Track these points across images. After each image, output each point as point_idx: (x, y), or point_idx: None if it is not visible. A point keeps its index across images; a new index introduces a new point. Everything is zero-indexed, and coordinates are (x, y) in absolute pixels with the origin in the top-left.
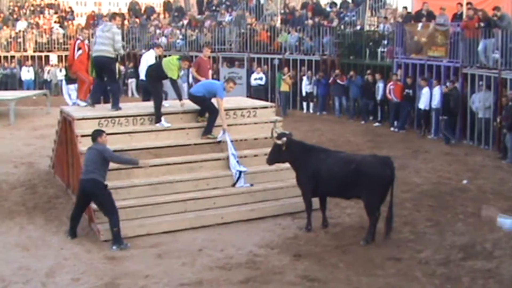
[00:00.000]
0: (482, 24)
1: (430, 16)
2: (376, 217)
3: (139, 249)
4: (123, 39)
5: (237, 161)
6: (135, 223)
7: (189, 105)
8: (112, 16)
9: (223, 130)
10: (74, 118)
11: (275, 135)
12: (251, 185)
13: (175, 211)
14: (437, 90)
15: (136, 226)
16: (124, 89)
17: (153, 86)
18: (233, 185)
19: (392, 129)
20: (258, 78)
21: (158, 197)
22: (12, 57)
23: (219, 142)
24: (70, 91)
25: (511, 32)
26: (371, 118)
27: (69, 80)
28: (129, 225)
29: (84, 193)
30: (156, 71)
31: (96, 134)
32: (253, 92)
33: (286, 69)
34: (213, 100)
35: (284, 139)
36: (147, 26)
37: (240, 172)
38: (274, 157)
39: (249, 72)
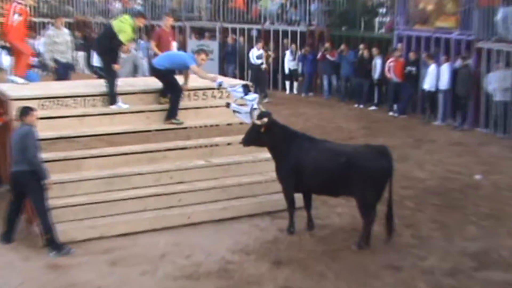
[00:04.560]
0: None
1: None
2: (371, 218)
3: (90, 255)
4: (68, 2)
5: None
6: (85, 224)
7: (151, 83)
8: None
9: (214, 82)
10: (9, 98)
11: (255, 113)
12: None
13: (133, 210)
14: (445, 68)
15: (86, 227)
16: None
17: (105, 59)
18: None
19: (391, 113)
20: (259, 56)
21: (113, 193)
22: None
23: (185, 128)
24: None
25: None
26: (366, 100)
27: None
28: (78, 226)
29: (15, 188)
30: (106, 38)
31: (23, 112)
32: (253, 74)
33: (260, 45)
34: (179, 77)
35: (265, 119)
36: None
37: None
38: (251, 138)
39: (222, 46)
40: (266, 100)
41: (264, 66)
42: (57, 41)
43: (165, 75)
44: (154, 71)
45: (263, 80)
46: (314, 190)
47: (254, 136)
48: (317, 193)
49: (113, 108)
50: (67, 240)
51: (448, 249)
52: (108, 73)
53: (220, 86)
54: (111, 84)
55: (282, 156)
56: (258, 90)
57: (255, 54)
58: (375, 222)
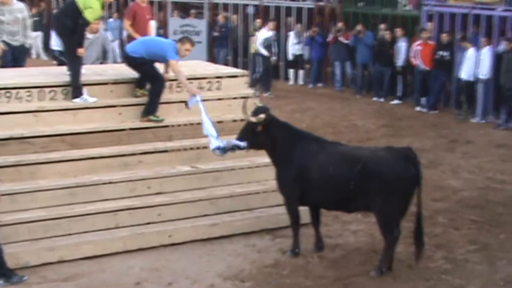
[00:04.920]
0: None
1: None
2: (394, 237)
3: (48, 283)
4: None
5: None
6: (41, 245)
7: (124, 71)
8: None
9: (192, 95)
10: None
11: (249, 112)
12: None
13: (102, 227)
14: (486, 53)
15: (43, 249)
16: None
17: (67, 41)
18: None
19: (418, 108)
20: (267, 40)
21: (77, 206)
22: None
23: (166, 126)
24: None
25: None
26: (387, 93)
27: None
28: (33, 248)
29: None
30: (68, 15)
31: None
32: (263, 60)
33: (259, 21)
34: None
35: (262, 116)
36: None
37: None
38: (245, 140)
39: (211, 25)
40: (267, 94)
41: (274, 58)
42: (4, 19)
43: (142, 64)
44: (128, 60)
45: (270, 73)
46: (323, 203)
47: (248, 137)
48: (327, 207)
49: (77, 102)
50: (19, 266)
51: (490, 275)
52: (70, 58)
53: (189, 108)
54: (75, 72)
55: (284, 161)
56: (262, 85)
57: (263, 37)
58: (399, 242)
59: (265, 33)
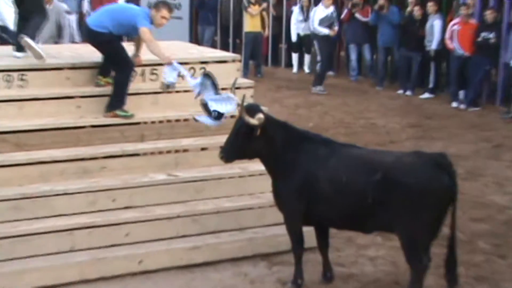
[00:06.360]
0: None
1: None
2: (423, 266)
3: None
4: None
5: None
6: None
7: (84, 53)
8: None
9: (167, 67)
10: None
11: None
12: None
13: (53, 250)
14: None
15: None
16: None
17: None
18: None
19: (454, 104)
20: (326, 17)
21: (22, 223)
22: None
23: (137, 123)
24: None
25: None
26: (416, 84)
27: None
28: None
29: None
30: None
31: None
32: (321, 43)
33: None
34: (128, 46)
35: (261, 116)
36: None
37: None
38: (238, 148)
39: None
40: (318, 90)
41: (331, 31)
42: None
43: (107, 42)
44: (91, 36)
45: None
46: (334, 221)
47: (241, 144)
48: (338, 226)
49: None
50: None
51: None
52: (18, 36)
53: (168, 87)
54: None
55: (284, 170)
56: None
57: (320, 16)
58: (428, 272)
59: (322, 11)
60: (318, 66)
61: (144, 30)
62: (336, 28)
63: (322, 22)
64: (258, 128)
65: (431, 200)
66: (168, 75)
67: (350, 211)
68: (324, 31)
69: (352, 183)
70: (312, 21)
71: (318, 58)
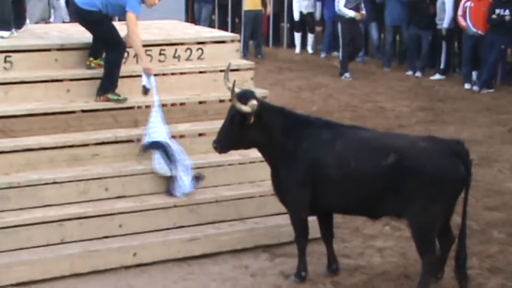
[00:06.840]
0: None
1: None
2: (434, 255)
3: None
4: None
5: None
6: None
7: (74, 32)
8: None
9: (144, 73)
10: None
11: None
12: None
13: (42, 242)
14: None
15: None
16: None
17: None
18: (169, 191)
19: (467, 86)
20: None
21: (8, 214)
22: None
23: (130, 108)
24: None
25: None
26: (426, 65)
27: None
28: None
29: None
30: None
31: None
32: (345, 26)
33: None
34: (119, 26)
35: (254, 102)
36: None
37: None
38: (232, 137)
39: None
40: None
41: (358, 15)
42: None
43: (97, 22)
44: (80, 15)
45: (359, 39)
46: (340, 208)
47: (236, 133)
48: (345, 212)
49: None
50: None
51: None
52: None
53: (147, 91)
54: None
55: (285, 158)
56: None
57: None
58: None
59: None
60: (339, 53)
61: (130, 16)
62: (363, 11)
63: (348, 3)
64: (251, 116)
65: (446, 189)
66: (144, 79)
67: (359, 197)
68: (350, 13)
69: (362, 167)
70: (338, 1)
71: (341, 42)
